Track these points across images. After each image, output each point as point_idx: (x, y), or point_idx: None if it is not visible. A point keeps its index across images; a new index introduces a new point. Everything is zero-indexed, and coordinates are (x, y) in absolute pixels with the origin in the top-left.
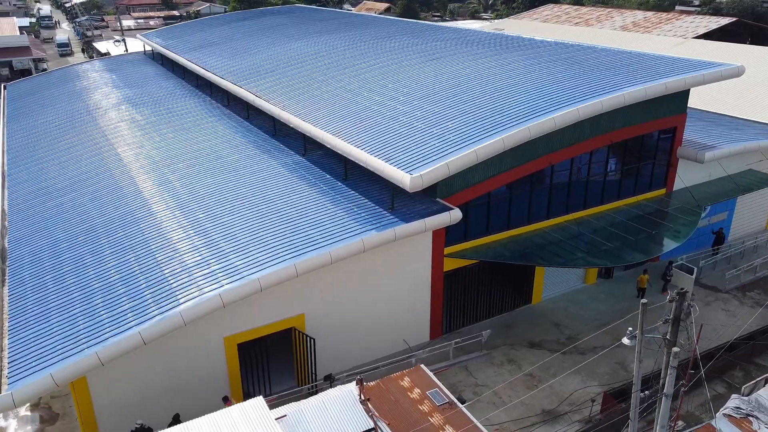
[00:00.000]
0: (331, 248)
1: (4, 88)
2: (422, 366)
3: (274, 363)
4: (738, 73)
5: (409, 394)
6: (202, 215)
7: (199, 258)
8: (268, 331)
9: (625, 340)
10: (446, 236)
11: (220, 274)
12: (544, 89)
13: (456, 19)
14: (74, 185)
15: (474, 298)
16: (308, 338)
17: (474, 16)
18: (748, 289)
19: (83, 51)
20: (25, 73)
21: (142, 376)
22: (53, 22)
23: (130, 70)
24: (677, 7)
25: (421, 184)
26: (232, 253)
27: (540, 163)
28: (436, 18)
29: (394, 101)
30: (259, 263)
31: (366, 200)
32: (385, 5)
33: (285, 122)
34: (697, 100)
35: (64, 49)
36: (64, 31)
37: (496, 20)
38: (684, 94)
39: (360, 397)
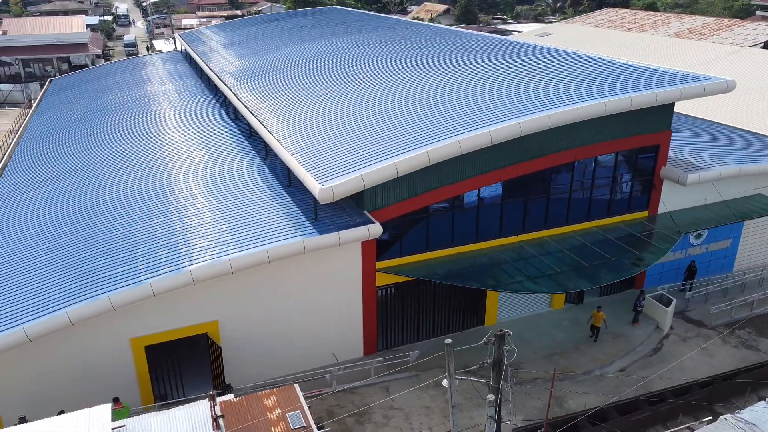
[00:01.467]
0: (231, 257)
1: (50, 82)
2: (295, 386)
3: (202, 367)
4: (726, 88)
5: (268, 413)
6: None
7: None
8: (179, 335)
9: (444, 383)
10: (380, 250)
11: (120, 277)
12: (499, 101)
13: (520, 22)
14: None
15: (415, 315)
16: (216, 346)
17: (538, 19)
18: (738, 326)
19: (147, 49)
20: (83, 68)
21: (48, 369)
22: (129, 20)
23: (152, 69)
24: (758, 13)
25: (331, 195)
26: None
27: (489, 178)
28: (496, 21)
29: (352, 109)
30: (158, 268)
31: (297, 209)
32: (444, 7)
33: (252, 125)
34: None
35: (131, 49)
36: (138, 30)
37: (548, 24)
38: (667, 110)
39: (212, 414)
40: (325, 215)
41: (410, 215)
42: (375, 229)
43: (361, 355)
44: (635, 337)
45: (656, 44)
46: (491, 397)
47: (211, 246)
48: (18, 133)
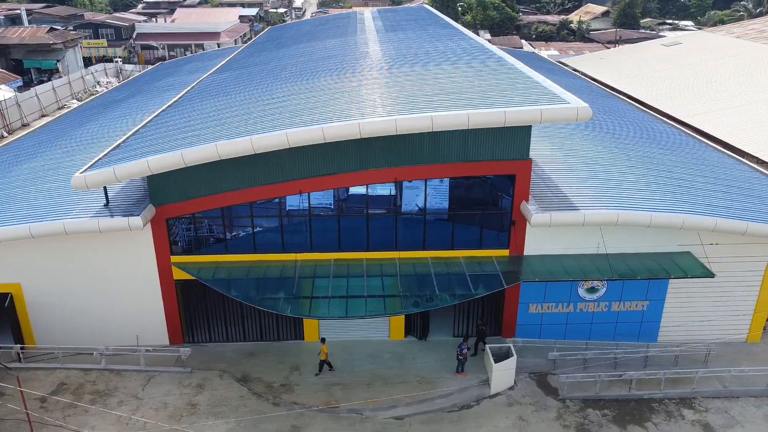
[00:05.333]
0: (32, 224)
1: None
2: None
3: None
4: (575, 115)
5: None
6: None
7: None
8: None
9: None
10: (176, 245)
11: None
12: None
13: (700, 28)
14: None
15: (222, 316)
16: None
17: (720, 24)
18: (600, 405)
19: None
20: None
21: None
22: (302, 12)
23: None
24: None
25: (83, 184)
26: None
27: (288, 188)
28: (666, 26)
29: (231, 108)
30: None
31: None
32: (603, 9)
33: None
34: None
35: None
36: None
37: (689, 32)
38: (522, 136)
39: None
40: (120, 203)
41: (204, 214)
42: (134, 222)
43: (167, 344)
44: (445, 386)
45: None
46: None
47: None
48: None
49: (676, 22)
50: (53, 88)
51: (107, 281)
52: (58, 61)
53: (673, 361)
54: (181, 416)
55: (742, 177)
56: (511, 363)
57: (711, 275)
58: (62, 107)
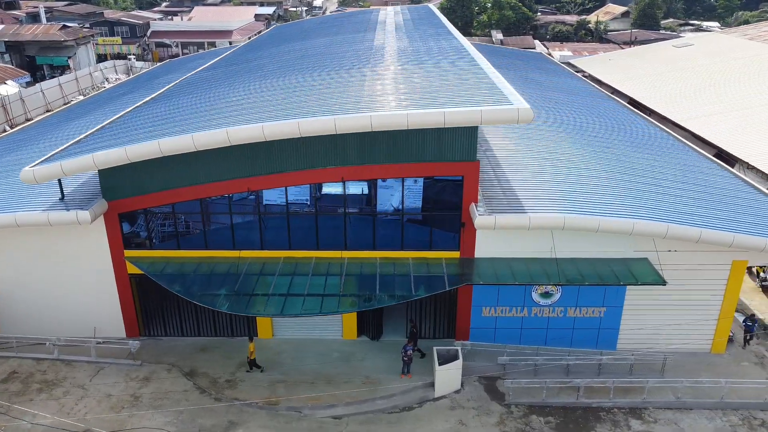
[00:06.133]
0: None
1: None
2: None
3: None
4: (516, 117)
5: None
6: None
7: None
8: None
9: None
10: (129, 239)
11: None
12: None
13: (722, 29)
14: None
15: (176, 310)
16: None
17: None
18: (545, 412)
19: None
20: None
21: None
22: (323, 10)
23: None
24: None
25: (32, 178)
26: None
27: (235, 186)
28: (689, 26)
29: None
30: None
31: (72, 186)
32: (623, 9)
33: None
34: None
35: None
36: None
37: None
38: (469, 138)
39: None
40: (78, 197)
41: (157, 209)
42: (83, 216)
43: (124, 336)
44: (389, 387)
45: None
46: None
47: None
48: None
49: (701, 23)
50: (59, 84)
51: (65, 274)
52: (69, 57)
53: (629, 370)
54: (123, 407)
55: (721, 184)
56: (456, 366)
57: (663, 283)
58: (68, 103)
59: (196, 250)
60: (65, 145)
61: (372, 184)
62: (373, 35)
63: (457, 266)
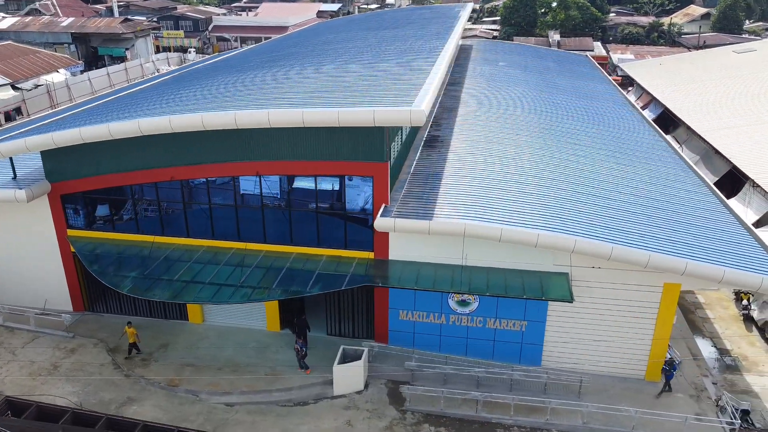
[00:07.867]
0: None
1: None
2: None
3: None
4: (408, 118)
5: None
6: None
7: None
8: None
9: None
10: (71, 219)
11: None
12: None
13: None
14: None
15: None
16: None
17: None
18: (440, 422)
19: None
20: None
21: None
22: (395, 7)
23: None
24: None
25: None
26: None
27: (161, 174)
28: (765, 30)
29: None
30: None
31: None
32: (703, 11)
33: None
34: None
35: None
36: None
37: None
38: (378, 138)
39: None
40: (24, 178)
41: (97, 193)
42: (20, 195)
43: (71, 310)
44: (288, 380)
45: None
46: None
47: None
48: None
49: None
50: (107, 74)
51: (21, 249)
52: (127, 49)
53: (542, 389)
54: (39, 375)
55: (686, 201)
56: (355, 366)
57: (569, 300)
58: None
59: (129, 234)
60: (32, 126)
61: (289, 180)
62: (374, 34)
63: (365, 267)
